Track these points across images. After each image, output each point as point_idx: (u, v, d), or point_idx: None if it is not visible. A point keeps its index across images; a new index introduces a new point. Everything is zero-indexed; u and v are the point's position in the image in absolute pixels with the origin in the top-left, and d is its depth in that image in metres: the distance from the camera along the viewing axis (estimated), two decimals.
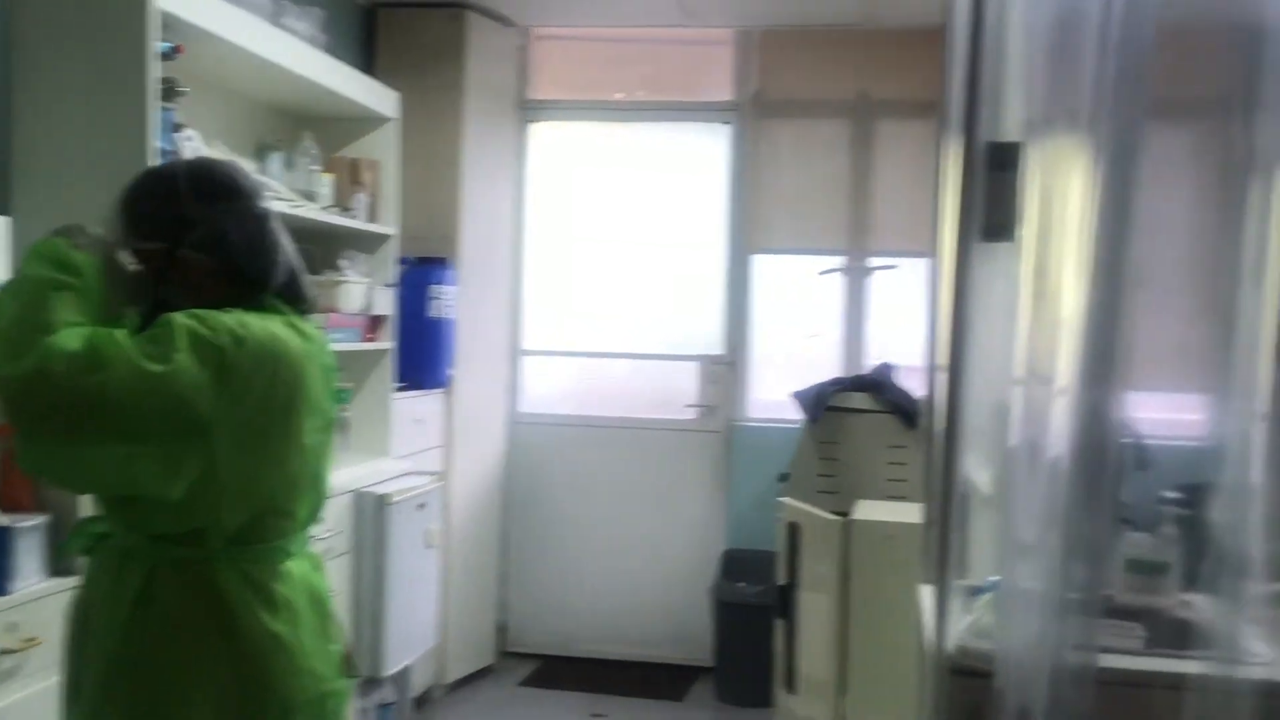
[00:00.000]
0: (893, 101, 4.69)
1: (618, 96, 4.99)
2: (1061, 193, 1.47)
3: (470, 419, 4.53)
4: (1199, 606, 2.14)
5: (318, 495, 1.85)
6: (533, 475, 4.95)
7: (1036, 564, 1.49)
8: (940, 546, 1.90)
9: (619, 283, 4.99)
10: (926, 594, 2.22)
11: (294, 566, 1.77)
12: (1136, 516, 2.31)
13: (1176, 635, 2.01)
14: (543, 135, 5.03)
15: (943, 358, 2.12)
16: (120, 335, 1.57)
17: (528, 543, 4.97)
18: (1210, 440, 4.14)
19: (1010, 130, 2.10)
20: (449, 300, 4.22)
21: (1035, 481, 1.51)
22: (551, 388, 5.08)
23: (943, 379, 2.11)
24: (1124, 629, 1.93)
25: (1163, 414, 2.66)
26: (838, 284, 4.78)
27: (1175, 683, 1.77)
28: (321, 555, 1.94)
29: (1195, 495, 2.44)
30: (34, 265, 1.64)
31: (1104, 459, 1.33)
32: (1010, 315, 2.14)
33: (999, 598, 1.70)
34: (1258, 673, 1.79)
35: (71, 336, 1.55)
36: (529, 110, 4.96)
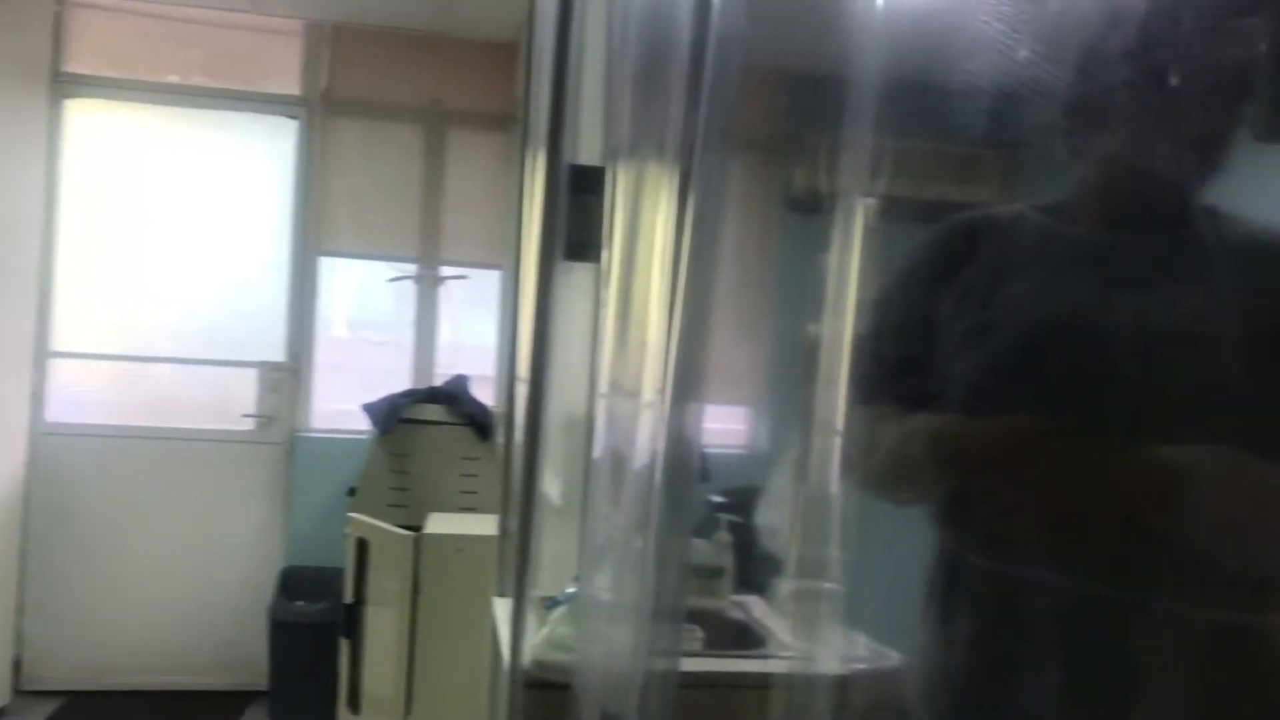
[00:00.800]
0: (466, 112, 4.71)
1: (172, 79, 4.60)
2: (647, 219, 1.53)
3: None
4: (748, 607, 2.32)
5: None
6: (63, 491, 4.42)
7: (619, 572, 1.54)
8: (520, 558, 1.91)
9: (170, 281, 4.60)
10: (501, 607, 2.23)
11: None
12: (697, 524, 2.46)
13: (730, 636, 2.17)
14: (84, 116, 4.52)
15: (524, 371, 2.14)
16: None
17: (55, 567, 4.43)
18: (751, 449, 4.52)
19: (594, 153, 2.17)
20: None
21: (619, 492, 1.55)
22: (88, 395, 4.57)
23: (524, 392, 2.14)
24: (686, 632, 2.05)
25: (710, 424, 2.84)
26: (408, 292, 4.71)
27: (728, 681, 1.91)
28: None
29: (740, 500, 2.66)
30: None
31: (685, 470, 1.39)
32: (592, 332, 2.21)
33: (580, 607, 1.73)
34: (797, 666, 1.97)
35: None
36: (64, 85, 4.44)
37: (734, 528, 2.43)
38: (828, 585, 2.11)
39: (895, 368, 1.34)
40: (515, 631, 1.85)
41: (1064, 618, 1.15)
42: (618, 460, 1.62)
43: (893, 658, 1.95)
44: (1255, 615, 1.08)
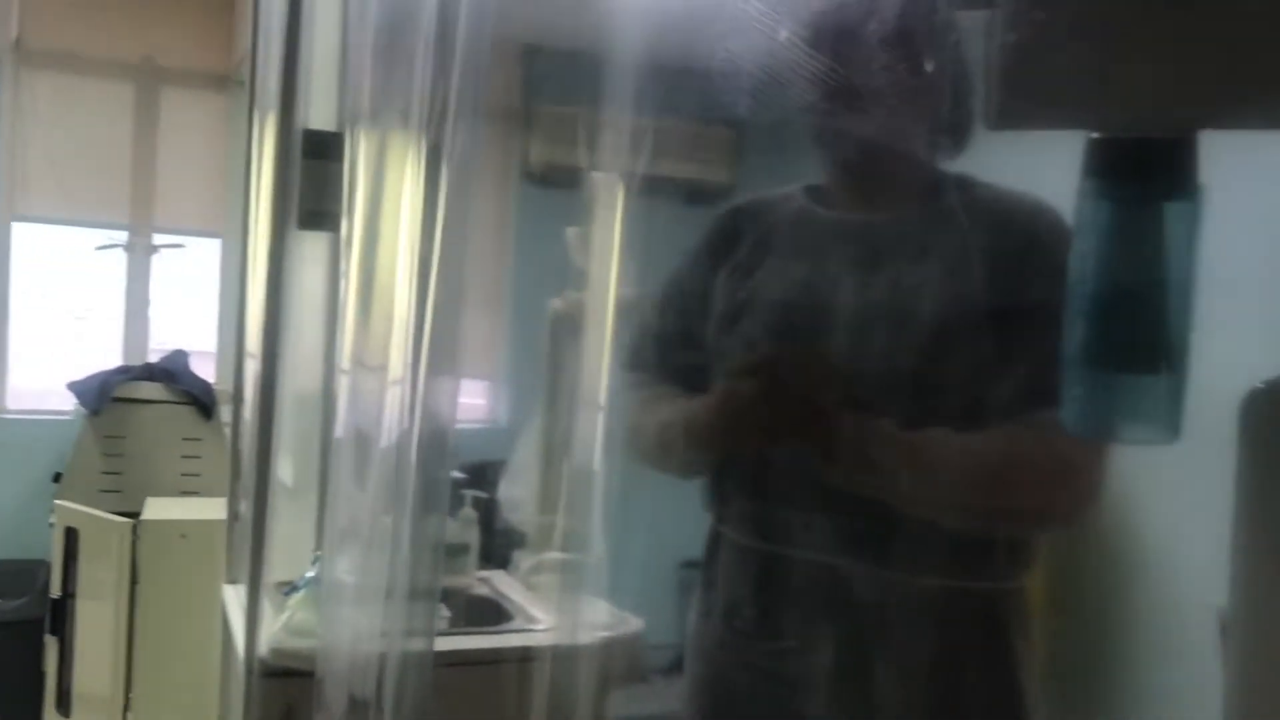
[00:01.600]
0: (181, 70, 4.41)
1: None
2: (392, 188, 1.48)
3: None
4: (493, 582, 2.31)
5: None
6: None
7: (366, 554, 1.49)
8: (254, 542, 1.83)
9: None
10: (233, 594, 2.12)
11: None
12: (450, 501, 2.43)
13: (476, 612, 2.15)
14: None
15: (255, 345, 2.03)
16: None
17: None
18: (491, 423, 4.50)
19: (329, 117, 2.08)
20: None
21: (364, 471, 1.50)
22: None
23: (255, 367, 2.03)
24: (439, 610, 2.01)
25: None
26: (118, 262, 4.38)
27: (477, 658, 1.90)
28: None
29: (482, 474, 2.65)
30: None
31: (438, 448, 1.36)
32: (330, 305, 2.12)
33: (323, 591, 1.67)
34: (543, 638, 1.98)
35: None
36: None
37: (477, 503, 2.41)
38: (568, 556, 2.14)
39: (672, 343, 1.37)
40: (250, 619, 1.76)
41: (799, 588, 1.22)
42: (362, 438, 1.57)
43: (635, 624, 2.00)
44: (982, 583, 1.17)
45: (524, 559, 2.39)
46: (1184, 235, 0.57)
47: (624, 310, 1.74)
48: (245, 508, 2.11)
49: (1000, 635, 1.18)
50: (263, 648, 1.75)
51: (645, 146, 1.64)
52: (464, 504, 2.37)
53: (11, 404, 4.25)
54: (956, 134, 1.13)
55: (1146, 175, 0.57)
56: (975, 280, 1.12)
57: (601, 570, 1.84)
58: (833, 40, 1.10)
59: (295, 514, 2.21)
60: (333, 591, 1.60)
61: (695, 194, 3.23)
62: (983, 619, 1.17)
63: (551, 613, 2.12)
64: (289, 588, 1.91)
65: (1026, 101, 0.55)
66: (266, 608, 1.83)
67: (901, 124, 1.08)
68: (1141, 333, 0.58)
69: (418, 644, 1.40)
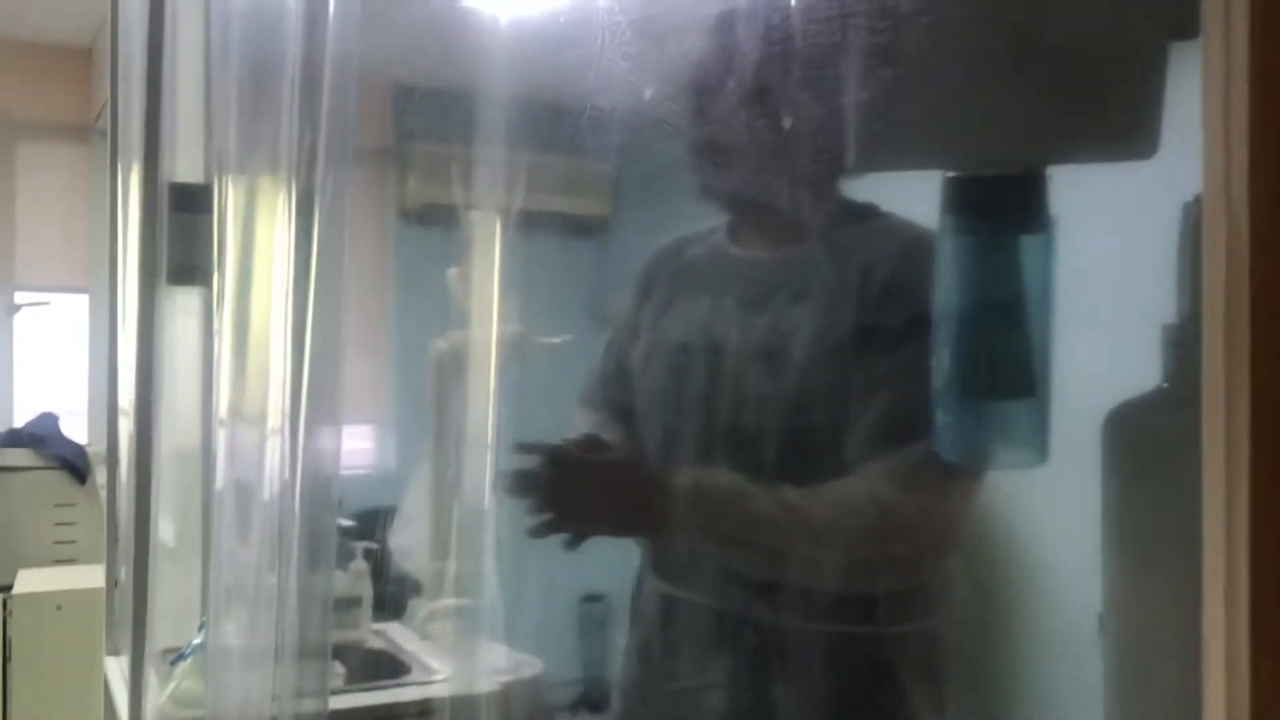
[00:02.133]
0: (38, 122, 4.26)
1: None
2: (263, 238, 1.45)
3: None
4: (388, 634, 2.26)
5: None
6: None
7: (252, 614, 1.45)
8: (136, 609, 1.76)
9: None
10: (115, 666, 2.03)
11: None
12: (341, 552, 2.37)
13: (372, 666, 2.10)
14: None
15: (128, 403, 1.96)
16: None
17: None
18: (377, 469, 4.41)
19: (196, 168, 2.03)
20: None
21: (247, 527, 1.46)
22: None
23: (128, 425, 1.96)
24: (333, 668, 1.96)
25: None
26: None
27: (375, 715, 1.85)
28: None
29: (371, 523, 2.59)
30: None
31: (322, 498, 1.33)
32: (204, 358, 2.06)
33: (210, 657, 1.61)
34: (442, 689, 1.95)
35: None
36: None
37: (368, 553, 2.36)
38: (463, 601, 2.11)
39: (610, 381, 1.38)
40: (134, 692, 1.70)
41: (694, 629, 1.23)
42: (243, 492, 1.52)
43: (534, 665, 1.98)
44: (866, 628, 1.18)
45: (419, 607, 2.35)
46: (1040, 266, 0.60)
47: (506, 347, 1.73)
48: (125, 573, 2.03)
49: (888, 679, 1.17)
50: None
51: (520, 182, 1.64)
52: (354, 555, 2.31)
53: None
54: (820, 182, 1.15)
55: (1000, 210, 0.59)
56: (844, 318, 1.13)
57: (497, 613, 1.82)
58: (695, 97, 1.13)
59: (179, 577, 2.13)
60: (219, 657, 1.55)
61: (573, 227, 3.24)
62: (869, 664, 1.18)
63: (449, 661, 2.08)
64: (175, 656, 1.84)
65: (882, 147, 0.57)
66: (152, 678, 1.76)
67: (765, 175, 1.10)
68: (1005, 360, 0.60)
69: (311, 705, 1.36)
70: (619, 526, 1.25)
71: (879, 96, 0.55)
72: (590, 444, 1.25)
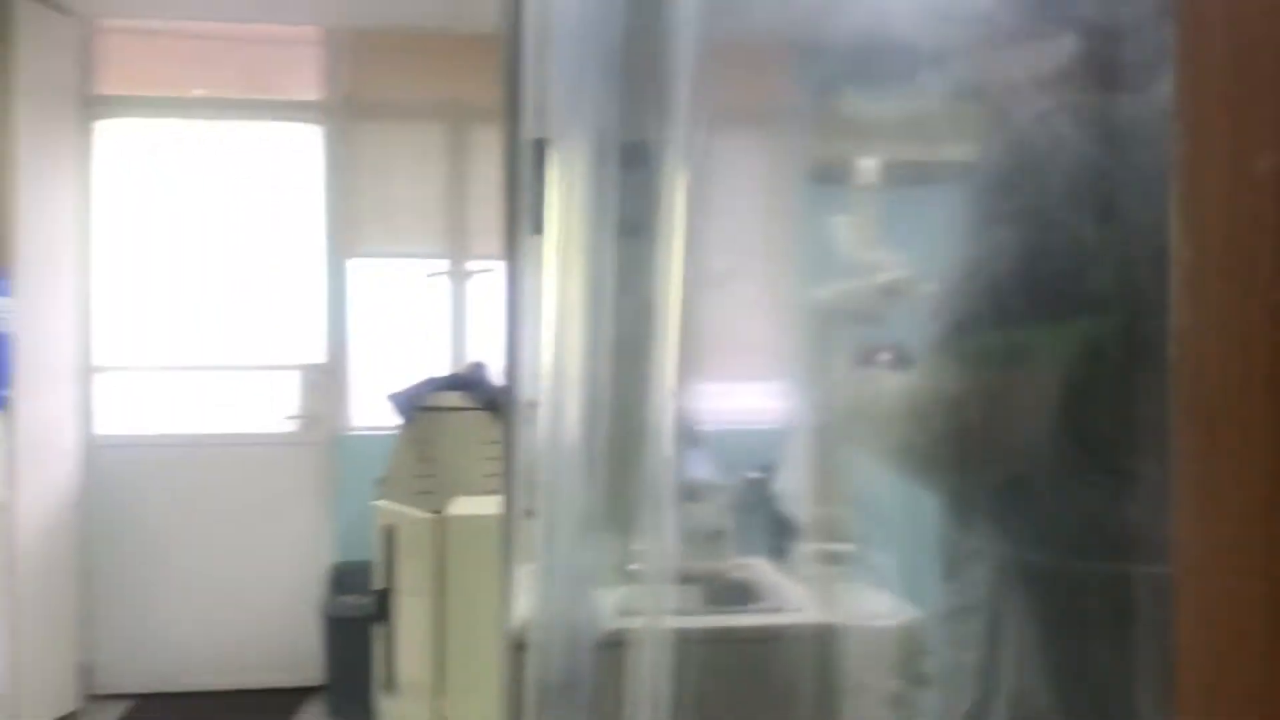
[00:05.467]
0: (487, 107, 4.77)
1: (198, 93, 4.72)
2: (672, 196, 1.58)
3: (35, 444, 4.11)
4: (755, 568, 2.34)
5: None
6: (118, 501, 4.56)
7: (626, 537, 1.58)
8: (505, 530, 1.95)
9: (209, 290, 4.71)
10: (521, 580, 2.26)
11: None
12: (702, 491, 2.48)
13: (733, 594, 2.19)
14: (115, 134, 4.65)
15: (549, 357, 2.17)
16: None
17: (116, 575, 4.58)
18: (775, 423, 4.51)
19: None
20: (2, 315, 3.81)
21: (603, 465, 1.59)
22: (135, 405, 4.70)
23: (551, 375, 2.17)
24: (685, 593, 2.07)
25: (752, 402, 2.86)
26: (440, 288, 4.79)
27: (730, 636, 1.93)
28: None
29: (768, 473, 2.67)
30: None
31: (673, 440, 1.43)
32: (641, 311, 2.22)
33: (565, 575, 1.76)
34: (804, 619, 1.98)
35: None
36: (95, 107, 4.58)
37: (750, 495, 2.44)
38: (841, 546, 2.12)
39: None
40: (505, 598, 1.88)
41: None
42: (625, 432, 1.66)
43: (910, 612, 1.96)
44: None
45: (799, 548, 2.40)
46: None
47: (891, 296, 1.72)
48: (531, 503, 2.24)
49: None
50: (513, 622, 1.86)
51: (908, 132, 1.63)
52: (721, 493, 2.41)
53: (357, 422, 4.74)
54: None
55: None
56: None
57: (877, 559, 1.83)
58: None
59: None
60: (570, 575, 1.69)
61: (949, 175, 3.11)
62: None
63: (821, 599, 2.11)
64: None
65: None
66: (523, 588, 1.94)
67: None
68: None
69: (664, 622, 1.47)
70: None
71: None
72: None
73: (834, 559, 2.18)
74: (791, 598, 2.12)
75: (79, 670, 4.45)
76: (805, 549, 2.38)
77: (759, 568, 2.32)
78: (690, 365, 1.89)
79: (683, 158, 1.67)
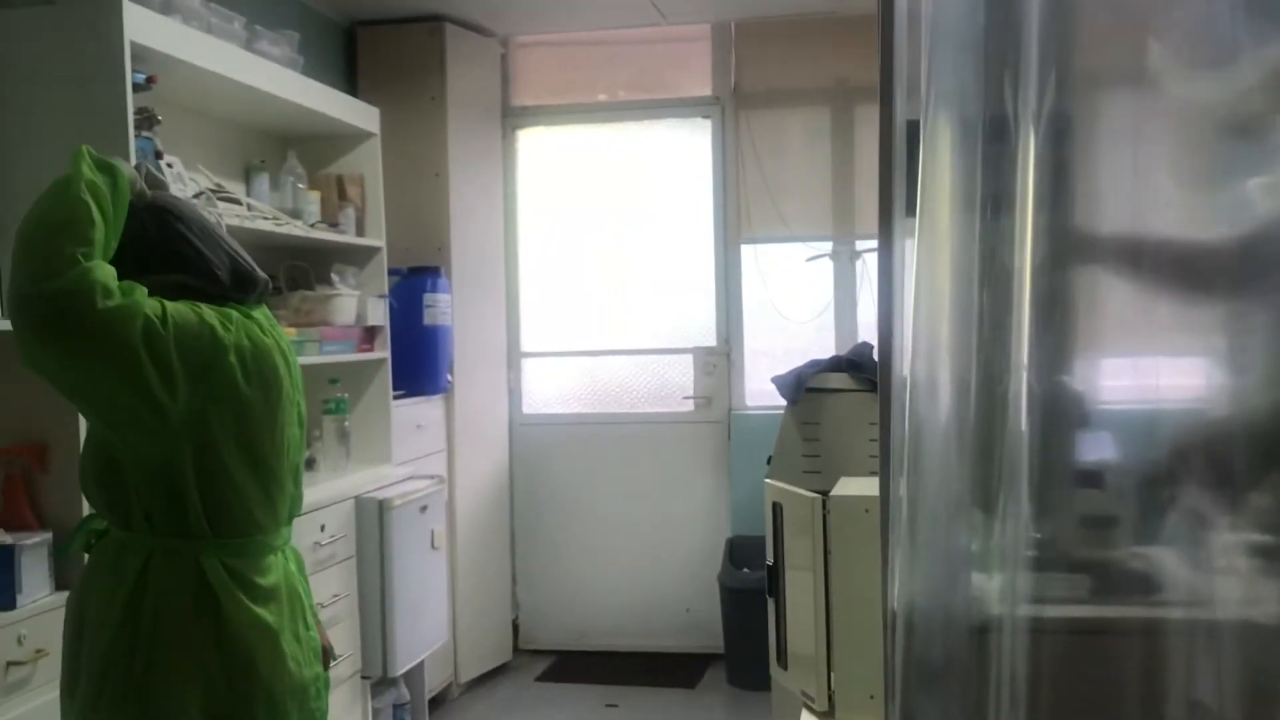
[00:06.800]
0: (871, 87, 4.74)
1: (600, 98, 5.07)
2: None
3: (472, 422, 4.63)
4: (1153, 558, 2.20)
5: (297, 489, 1.94)
6: (538, 475, 5.04)
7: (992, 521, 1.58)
8: (882, 510, 1.97)
9: (612, 280, 5.06)
10: (898, 562, 2.28)
11: (275, 561, 1.87)
12: (1096, 476, 2.36)
13: (1126, 584, 2.07)
14: (529, 140, 5.11)
15: (923, 338, 2.18)
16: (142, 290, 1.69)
17: (536, 541, 5.06)
18: (1202, 401, 4.16)
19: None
20: (444, 308, 4.32)
21: (992, 447, 1.59)
22: (552, 388, 5.16)
23: (926, 357, 2.17)
24: (1072, 581, 1.99)
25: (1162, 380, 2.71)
26: (828, 269, 4.84)
27: (1125, 628, 1.84)
28: (299, 552, 2.03)
29: (1179, 456, 2.50)
30: (83, 168, 1.70)
31: (1064, 422, 1.42)
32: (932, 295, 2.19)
33: (938, 558, 1.76)
34: (1216, 613, 1.85)
35: (107, 273, 1.65)
36: (513, 117, 5.05)
37: (1147, 478, 2.30)
38: (1263, 537, 1.96)
39: None
40: (885, 578, 1.90)
41: None
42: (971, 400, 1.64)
43: None
44: None
45: (1216, 539, 2.24)
46: None
47: None
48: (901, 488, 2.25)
49: None
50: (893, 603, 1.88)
51: None
52: (1125, 478, 2.28)
53: (750, 402, 4.92)
54: None
55: None
56: None
57: None
58: None
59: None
60: (946, 557, 1.69)
61: None
62: None
63: (1234, 592, 1.97)
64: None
65: None
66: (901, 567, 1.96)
67: None
68: None
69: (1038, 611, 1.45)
70: None
71: None
72: None
73: (1260, 552, 2.02)
74: (1202, 591, 1.98)
75: (511, 627, 4.97)
76: (1222, 539, 2.20)
77: (1159, 557, 2.18)
78: (1081, 341, 1.83)
79: (1050, 127, 1.62)
